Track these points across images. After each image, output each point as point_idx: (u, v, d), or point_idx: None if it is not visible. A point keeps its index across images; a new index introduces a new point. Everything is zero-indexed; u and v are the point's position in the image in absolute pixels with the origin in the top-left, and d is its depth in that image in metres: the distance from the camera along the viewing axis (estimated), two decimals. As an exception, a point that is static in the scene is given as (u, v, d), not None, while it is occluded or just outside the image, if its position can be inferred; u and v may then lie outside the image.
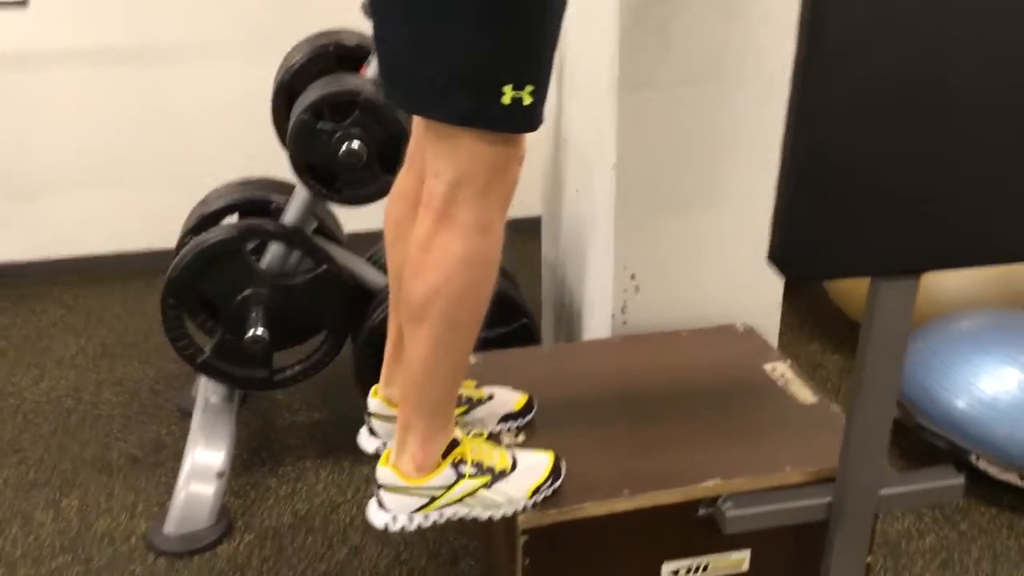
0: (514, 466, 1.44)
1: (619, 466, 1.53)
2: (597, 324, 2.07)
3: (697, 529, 1.51)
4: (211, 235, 1.97)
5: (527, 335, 2.16)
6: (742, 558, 1.55)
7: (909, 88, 1.11)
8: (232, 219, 2.22)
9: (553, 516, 1.43)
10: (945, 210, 1.20)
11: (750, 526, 1.46)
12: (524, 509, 1.42)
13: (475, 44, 1.12)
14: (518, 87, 1.14)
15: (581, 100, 2.06)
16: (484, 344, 2.06)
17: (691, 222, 1.97)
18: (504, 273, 2.28)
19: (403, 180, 1.44)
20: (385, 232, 1.47)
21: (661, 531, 1.49)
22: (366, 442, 1.57)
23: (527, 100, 1.15)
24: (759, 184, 1.97)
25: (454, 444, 1.39)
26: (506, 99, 1.13)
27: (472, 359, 1.76)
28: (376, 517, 1.38)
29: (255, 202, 2.20)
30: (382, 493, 1.37)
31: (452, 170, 1.20)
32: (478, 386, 1.63)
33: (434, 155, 1.22)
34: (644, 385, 1.75)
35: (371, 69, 1.92)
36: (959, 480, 1.50)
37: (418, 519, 1.38)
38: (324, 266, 2.02)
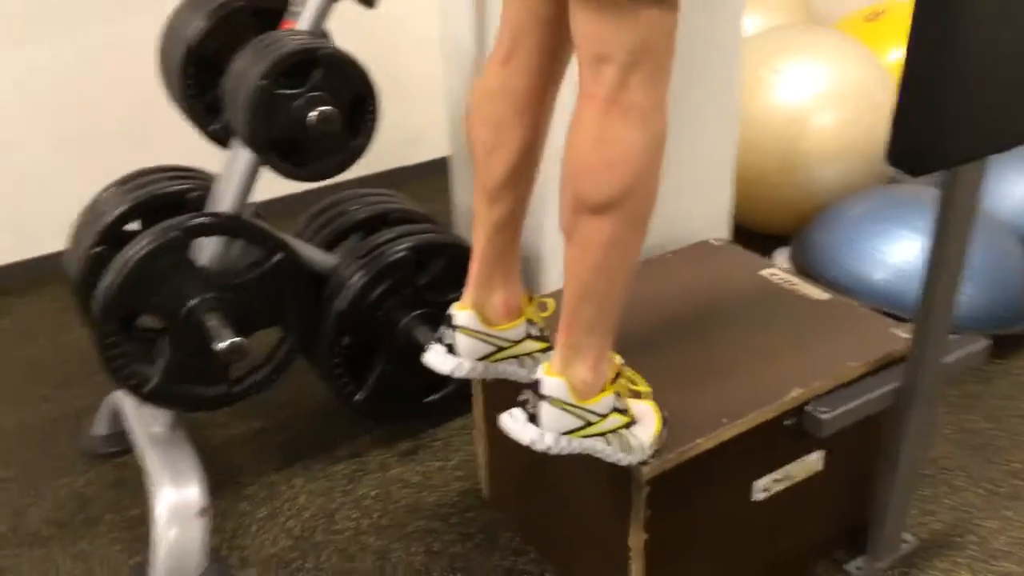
0: (632, 417, 1.36)
1: (699, 396, 1.49)
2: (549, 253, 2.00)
3: (780, 441, 1.52)
4: (143, 243, 1.66)
5: (493, 290, 2.05)
6: (817, 459, 1.58)
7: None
8: (135, 224, 1.90)
9: (672, 460, 1.38)
10: None
11: (841, 424, 1.49)
12: (646, 460, 1.35)
13: None
14: None
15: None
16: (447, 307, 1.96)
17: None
18: (425, 217, 2.14)
19: (503, 74, 1.27)
20: (478, 139, 1.31)
21: (751, 451, 1.48)
22: (441, 360, 1.38)
23: None
24: (708, 97, 1.98)
25: (618, 374, 1.30)
26: None
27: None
28: (524, 432, 1.23)
29: (161, 198, 1.89)
30: (543, 405, 1.23)
31: (627, 50, 1.07)
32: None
33: (601, 37, 1.08)
34: (665, 312, 1.72)
35: (303, 21, 1.69)
36: (987, 342, 1.61)
37: (563, 443, 1.25)
38: (280, 254, 1.78)
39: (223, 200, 1.76)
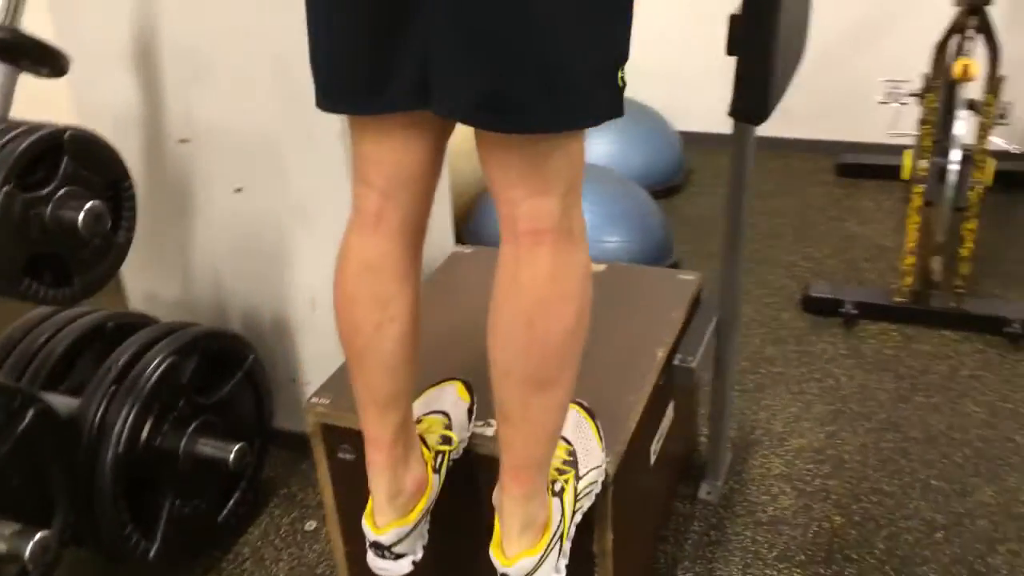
0: (565, 439, 1.32)
1: (589, 386, 1.48)
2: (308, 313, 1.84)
3: (657, 402, 1.60)
4: None
5: (260, 372, 1.80)
6: (671, 410, 1.70)
7: None
8: None
9: (621, 451, 1.37)
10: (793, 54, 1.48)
11: (703, 367, 1.62)
12: (606, 462, 1.33)
13: (615, 29, 0.98)
14: (623, 67, 1.00)
15: (226, 87, 1.71)
16: (220, 407, 1.69)
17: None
18: (143, 317, 1.82)
19: (376, 241, 1.12)
20: (360, 321, 1.14)
21: (647, 418, 1.53)
22: (397, 570, 1.25)
23: (626, 78, 1.02)
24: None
25: None
26: (620, 82, 1.00)
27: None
28: None
29: None
30: None
31: (565, 180, 1.03)
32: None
33: (542, 174, 1.01)
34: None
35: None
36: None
37: (563, 565, 1.20)
38: (32, 410, 1.36)
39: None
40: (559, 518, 1.20)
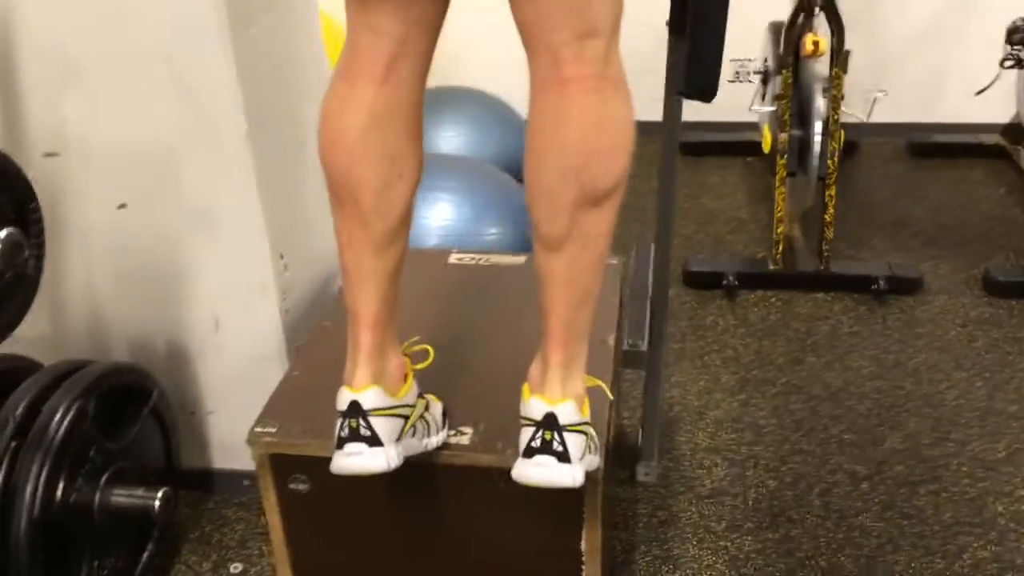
0: None
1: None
2: (258, 328, 1.69)
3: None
4: None
5: (165, 407, 1.62)
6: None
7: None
8: None
9: (603, 446, 1.33)
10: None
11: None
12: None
13: None
14: None
15: (102, 90, 1.51)
16: (130, 451, 1.52)
17: (300, 175, 1.71)
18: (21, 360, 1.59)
19: (386, 94, 1.05)
20: (363, 177, 1.06)
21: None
22: (368, 459, 1.10)
23: None
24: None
25: None
26: None
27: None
28: (561, 474, 1.08)
29: None
30: (567, 436, 1.09)
31: (610, 19, 0.99)
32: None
33: (590, 11, 0.97)
34: (433, 330, 1.58)
35: None
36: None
37: (586, 462, 1.13)
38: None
39: None
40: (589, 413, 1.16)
